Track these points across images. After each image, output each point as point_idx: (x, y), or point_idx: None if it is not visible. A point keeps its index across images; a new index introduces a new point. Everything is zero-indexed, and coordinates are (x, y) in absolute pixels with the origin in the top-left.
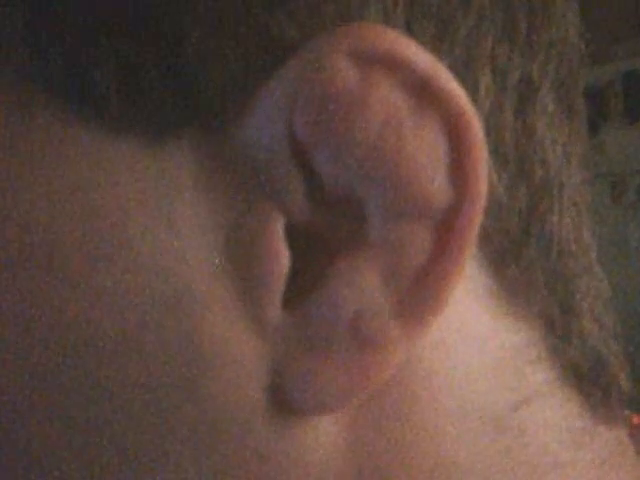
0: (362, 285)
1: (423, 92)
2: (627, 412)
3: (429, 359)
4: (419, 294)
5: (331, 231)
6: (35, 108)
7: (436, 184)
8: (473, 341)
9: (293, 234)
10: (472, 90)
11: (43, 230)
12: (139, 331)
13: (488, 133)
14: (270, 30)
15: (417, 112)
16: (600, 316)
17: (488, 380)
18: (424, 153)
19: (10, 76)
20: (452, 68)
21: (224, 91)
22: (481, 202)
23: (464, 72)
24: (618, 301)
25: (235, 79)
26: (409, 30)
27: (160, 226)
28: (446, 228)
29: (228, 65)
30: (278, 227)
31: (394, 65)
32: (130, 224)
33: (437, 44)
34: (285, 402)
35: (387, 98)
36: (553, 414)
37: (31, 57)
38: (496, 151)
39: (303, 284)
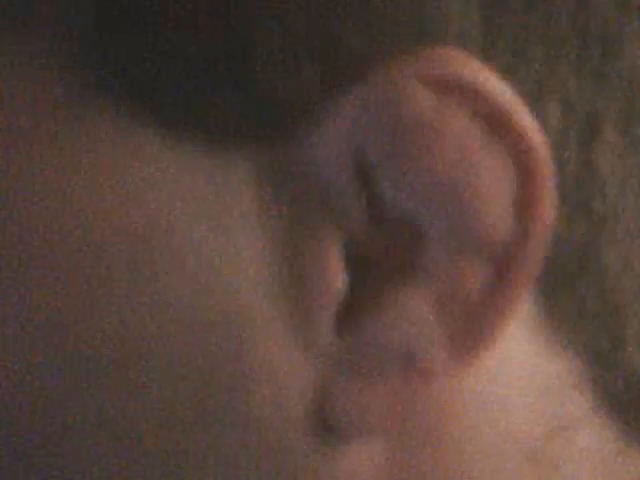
0: (416, 315)
1: (498, 124)
2: None
3: (471, 388)
4: (473, 328)
5: (390, 257)
6: (93, 110)
7: (501, 219)
8: (515, 371)
9: (352, 257)
10: (540, 121)
11: (90, 239)
12: (185, 349)
13: None
14: (345, 48)
15: (490, 144)
16: None
17: (526, 410)
18: (493, 187)
19: (73, 77)
20: (523, 97)
21: (292, 106)
22: (545, 242)
23: (534, 102)
24: None
25: (305, 95)
26: (485, 56)
27: (216, 240)
28: (507, 264)
29: (298, 80)
30: (337, 249)
31: (471, 94)
32: (185, 236)
33: (511, 72)
34: (328, 425)
35: (462, 128)
36: (588, 442)
37: (95, 58)
38: (557, 184)
39: (357, 308)
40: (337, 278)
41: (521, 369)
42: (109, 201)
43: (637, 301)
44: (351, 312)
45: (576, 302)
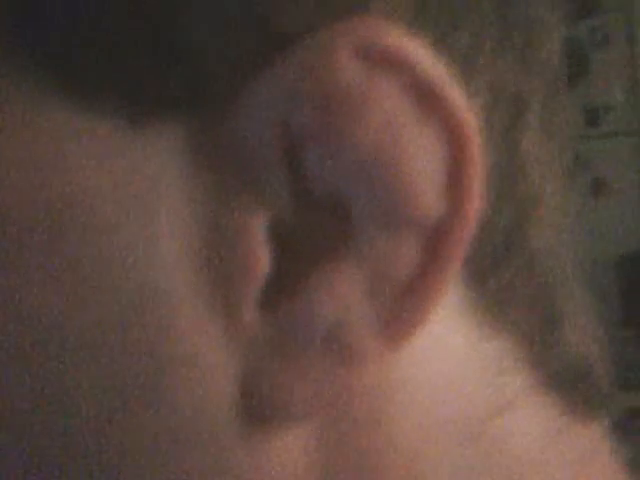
0: (344, 294)
1: (427, 97)
2: None
3: (402, 371)
4: (403, 308)
5: (315, 236)
6: (4, 76)
7: (431, 195)
8: (447, 353)
9: (276, 235)
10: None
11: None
12: (102, 329)
13: None
14: (273, 19)
15: (418, 118)
16: (582, 322)
17: (461, 392)
18: (422, 162)
19: None
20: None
21: (217, 78)
22: (474, 219)
23: (460, 84)
24: None
25: (230, 67)
26: (412, 32)
27: (134, 215)
28: (436, 242)
29: (224, 51)
30: (262, 227)
31: (399, 65)
32: (100, 212)
33: (437, 52)
34: (253, 410)
35: (390, 100)
36: (529, 420)
37: (5, 23)
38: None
39: (282, 289)
40: (262, 257)
41: (453, 353)
42: (20, 176)
43: (567, 282)
44: (277, 293)
45: (505, 285)
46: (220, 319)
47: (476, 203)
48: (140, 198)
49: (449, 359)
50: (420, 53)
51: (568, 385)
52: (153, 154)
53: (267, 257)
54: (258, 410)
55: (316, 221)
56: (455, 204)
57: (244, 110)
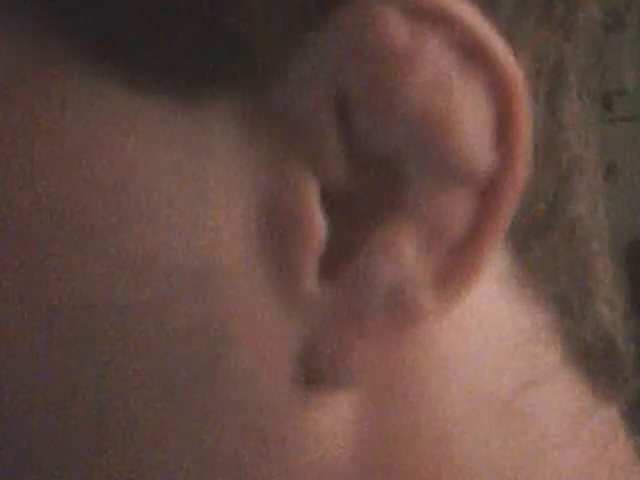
0: (400, 255)
1: (473, 53)
2: None
3: (443, 342)
4: (456, 265)
5: (369, 198)
6: (52, 57)
7: (481, 150)
8: (487, 325)
9: (330, 201)
10: None
11: (58, 192)
12: (163, 303)
13: None
14: None
15: (466, 73)
16: (612, 297)
17: (497, 364)
18: (471, 117)
19: (28, 24)
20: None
21: (266, 46)
22: (524, 171)
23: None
24: None
25: (278, 33)
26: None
27: (191, 191)
28: (487, 198)
29: (270, 18)
30: (315, 193)
31: (446, 22)
32: (158, 189)
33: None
34: (311, 376)
35: (438, 57)
36: (558, 396)
37: (47, 8)
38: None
39: (340, 255)
40: (318, 225)
41: (493, 323)
42: (76, 158)
43: (603, 254)
44: (333, 257)
45: (547, 254)
46: (280, 288)
47: (524, 158)
48: (195, 173)
49: (488, 332)
50: (465, 10)
51: (597, 360)
52: (206, 129)
53: (323, 224)
54: (317, 376)
55: (370, 183)
56: (504, 159)
57: (293, 76)
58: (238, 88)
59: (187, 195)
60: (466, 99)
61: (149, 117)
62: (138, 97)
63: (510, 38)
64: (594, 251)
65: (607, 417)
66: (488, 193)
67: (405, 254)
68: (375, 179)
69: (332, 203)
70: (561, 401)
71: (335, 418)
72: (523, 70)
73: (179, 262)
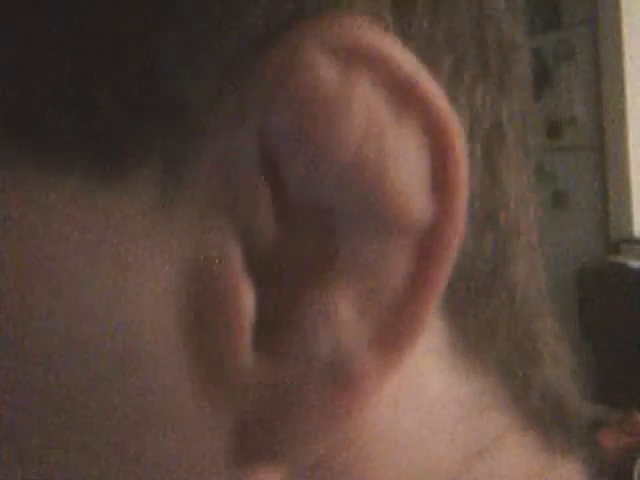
0: (337, 319)
1: (406, 97)
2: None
3: (382, 417)
4: (396, 322)
5: (301, 257)
6: None
7: (417, 198)
8: (426, 398)
9: (260, 265)
10: None
11: None
12: (82, 392)
13: None
14: (245, 25)
15: (399, 118)
16: (557, 354)
17: (441, 437)
18: (406, 163)
19: None
20: None
21: (186, 110)
22: (462, 220)
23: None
24: None
25: (199, 96)
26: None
27: (110, 270)
28: (426, 248)
29: (191, 81)
30: (239, 259)
31: (377, 63)
32: (74, 269)
33: None
34: (243, 454)
35: (368, 99)
36: (508, 463)
37: None
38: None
39: (274, 320)
40: (245, 293)
41: (434, 396)
42: None
43: (543, 317)
44: (267, 325)
45: (487, 319)
46: (210, 369)
47: (462, 206)
48: (113, 251)
49: (426, 404)
50: (397, 49)
51: (546, 420)
52: (124, 204)
53: (252, 292)
54: (251, 454)
55: (300, 241)
56: (442, 208)
57: (218, 134)
58: (157, 155)
59: (105, 274)
60: (400, 144)
61: (65, 195)
62: (45, 174)
63: (449, 97)
64: (534, 312)
65: (567, 470)
66: (425, 245)
67: (342, 317)
68: (306, 236)
69: (263, 268)
70: (512, 466)
71: None
72: (461, 129)
73: (99, 342)
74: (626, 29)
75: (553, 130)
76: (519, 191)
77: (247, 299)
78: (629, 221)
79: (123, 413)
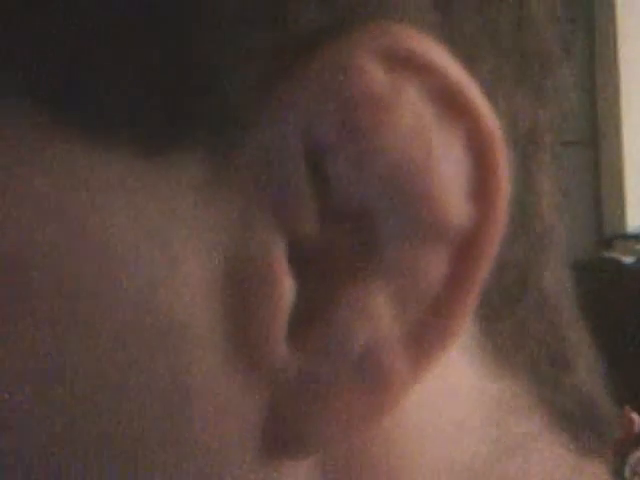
0: (373, 314)
1: (451, 102)
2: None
3: (414, 412)
4: (431, 325)
5: (340, 255)
6: (7, 112)
7: (458, 204)
8: (457, 395)
9: (300, 259)
10: None
11: (11, 252)
12: (121, 369)
13: None
14: (290, 26)
15: (443, 122)
16: (590, 363)
17: (469, 435)
18: (448, 170)
19: None
20: None
21: (234, 100)
22: (501, 227)
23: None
24: None
25: (247, 85)
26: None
27: (153, 251)
28: (463, 254)
29: (239, 70)
30: (283, 251)
31: (424, 70)
32: (118, 249)
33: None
34: (274, 447)
35: (415, 105)
36: (539, 464)
37: (9, 55)
38: None
39: (309, 316)
40: (286, 284)
41: (464, 395)
42: (30, 213)
43: (573, 322)
44: (303, 319)
45: (517, 324)
46: (245, 354)
47: (503, 212)
48: (157, 230)
49: (457, 402)
50: (442, 56)
51: (579, 425)
52: (170, 185)
53: (292, 285)
54: (278, 445)
55: (342, 239)
56: (482, 213)
57: (264, 128)
58: (205, 143)
59: (149, 254)
60: (443, 149)
61: (113, 171)
62: (104, 150)
63: (489, 100)
64: (565, 319)
65: (596, 474)
66: (464, 249)
67: (378, 314)
68: (348, 235)
69: (302, 261)
70: (543, 468)
71: None
72: (503, 136)
73: (139, 319)
74: (621, 25)
75: None
76: (552, 198)
77: (286, 290)
78: (622, 217)
79: (158, 394)
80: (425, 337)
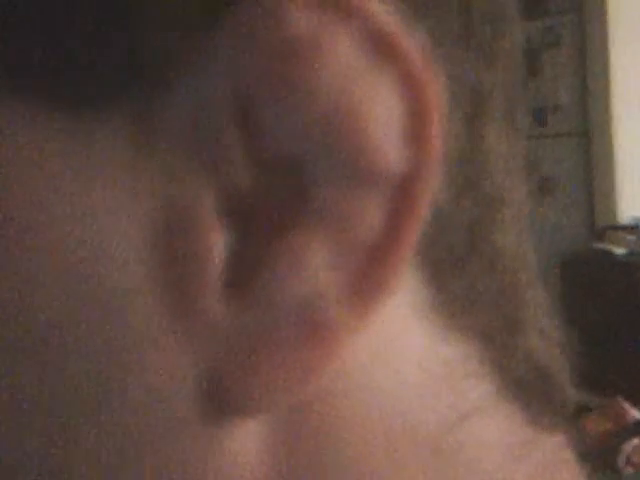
0: (309, 265)
1: (382, 47)
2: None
3: (358, 371)
4: (369, 274)
5: (273, 206)
6: None
7: (390, 150)
8: (408, 356)
9: (233, 212)
10: None
11: None
12: (51, 327)
13: None
14: None
15: (373, 68)
16: (545, 328)
17: (422, 398)
18: (379, 114)
19: None
20: None
21: (158, 54)
22: (434, 175)
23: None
24: None
25: (170, 41)
26: None
27: (79, 210)
28: (399, 200)
29: (161, 26)
30: (213, 204)
31: (354, 14)
32: (44, 210)
33: None
34: (217, 404)
35: (343, 50)
36: (491, 430)
37: None
38: (443, 157)
39: (244, 271)
40: (218, 240)
41: (414, 356)
42: None
43: (529, 284)
44: (239, 276)
45: (468, 285)
46: (179, 311)
47: (437, 153)
48: (85, 192)
49: (408, 364)
50: (374, 3)
51: (532, 392)
52: (96, 141)
53: (223, 239)
54: (221, 402)
55: (274, 189)
56: (416, 158)
57: (192, 78)
58: (130, 98)
59: (75, 213)
60: (375, 94)
61: (37, 132)
62: (28, 111)
63: (428, 56)
64: (521, 282)
65: (551, 444)
66: (399, 195)
67: (314, 265)
68: (281, 185)
69: (237, 214)
70: (497, 436)
71: (240, 444)
72: (438, 85)
73: (68, 280)
74: (611, 17)
75: (539, 117)
76: (505, 163)
77: (218, 240)
78: (614, 208)
79: (92, 352)
80: (363, 286)
